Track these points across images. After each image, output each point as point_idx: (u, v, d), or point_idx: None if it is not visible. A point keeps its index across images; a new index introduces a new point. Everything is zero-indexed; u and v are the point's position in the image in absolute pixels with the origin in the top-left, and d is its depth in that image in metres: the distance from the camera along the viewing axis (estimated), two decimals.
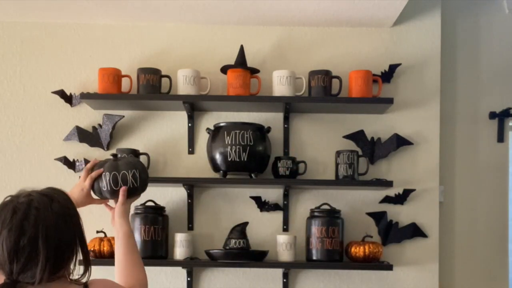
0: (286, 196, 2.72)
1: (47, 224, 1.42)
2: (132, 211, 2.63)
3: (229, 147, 2.55)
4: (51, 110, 2.76)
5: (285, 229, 2.73)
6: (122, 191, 1.89)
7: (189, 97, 2.60)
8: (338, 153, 2.62)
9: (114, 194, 1.90)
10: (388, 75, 2.74)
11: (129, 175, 1.89)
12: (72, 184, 2.71)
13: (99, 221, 2.71)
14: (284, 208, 2.72)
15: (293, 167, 2.62)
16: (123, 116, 2.72)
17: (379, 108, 2.67)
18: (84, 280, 1.52)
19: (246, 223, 2.61)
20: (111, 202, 1.98)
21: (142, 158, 2.65)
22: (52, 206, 1.45)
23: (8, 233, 1.40)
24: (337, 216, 2.63)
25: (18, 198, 1.46)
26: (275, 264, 2.63)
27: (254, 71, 2.66)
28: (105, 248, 2.54)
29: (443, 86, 2.84)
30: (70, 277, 1.51)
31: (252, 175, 2.60)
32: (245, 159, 2.55)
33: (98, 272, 2.85)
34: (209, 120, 2.75)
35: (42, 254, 1.40)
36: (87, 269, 1.53)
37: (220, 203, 2.73)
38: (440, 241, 2.76)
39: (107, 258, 2.54)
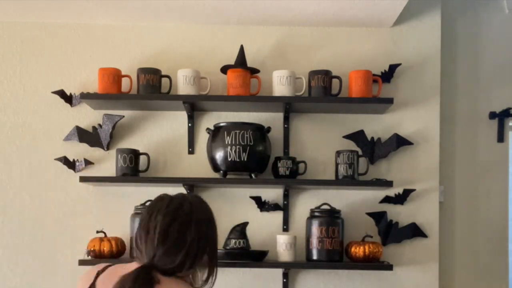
0: (286, 196, 2.72)
1: (198, 218, 1.58)
2: (132, 211, 2.64)
3: (229, 147, 2.55)
4: (51, 110, 2.76)
5: (285, 229, 2.73)
6: None
7: (189, 97, 2.60)
8: (338, 153, 2.62)
9: None
10: (388, 75, 2.74)
11: None
12: (72, 184, 2.72)
13: (99, 221, 2.71)
14: (284, 208, 2.72)
15: (293, 167, 2.62)
16: (123, 116, 2.72)
17: (379, 108, 2.67)
18: None
19: (246, 223, 2.61)
20: None
21: (142, 158, 2.65)
22: (203, 206, 1.64)
23: (163, 218, 1.54)
24: (337, 216, 2.63)
25: (173, 195, 1.62)
26: (275, 264, 2.63)
27: (254, 71, 2.66)
28: (105, 248, 2.54)
29: (443, 86, 2.84)
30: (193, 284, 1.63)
31: (252, 175, 2.60)
32: (245, 159, 2.55)
33: None
34: (209, 120, 2.75)
35: (187, 243, 1.54)
36: (207, 278, 1.67)
37: (220, 203, 2.73)
38: (440, 241, 2.76)
39: (107, 258, 2.54)
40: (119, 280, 1.49)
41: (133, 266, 1.55)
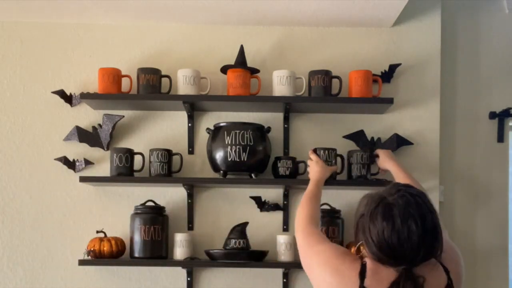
0: (286, 196, 2.72)
1: (433, 209, 1.65)
2: (132, 211, 2.64)
3: (229, 147, 2.55)
4: (51, 110, 2.76)
5: (285, 229, 2.73)
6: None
7: (189, 97, 2.60)
8: (350, 153, 2.62)
9: None
10: (388, 75, 2.74)
11: None
12: (72, 184, 2.72)
13: (99, 221, 2.71)
14: (284, 208, 2.72)
15: (293, 167, 2.62)
16: (123, 116, 2.72)
17: (379, 108, 2.67)
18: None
19: (246, 223, 2.61)
20: None
21: (139, 158, 2.65)
22: (422, 194, 1.67)
23: (414, 222, 1.59)
24: (337, 216, 2.63)
25: (389, 193, 1.66)
26: (275, 264, 2.63)
27: (254, 71, 2.66)
28: (105, 248, 2.54)
29: (443, 86, 2.84)
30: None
31: (252, 175, 2.60)
32: (245, 159, 2.55)
33: (98, 272, 2.87)
34: (209, 120, 2.75)
35: (440, 239, 1.63)
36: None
37: (220, 203, 2.73)
38: None
39: (107, 258, 2.54)
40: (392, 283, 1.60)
41: (390, 270, 1.63)
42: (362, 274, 1.64)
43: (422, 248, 1.59)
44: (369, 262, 1.66)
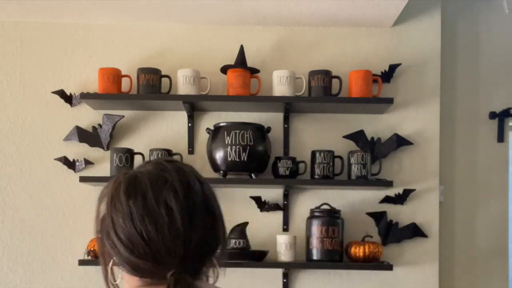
0: (286, 196, 2.72)
1: (208, 184, 1.11)
2: None
3: (229, 147, 2.55)
4: (51, 110, 2.76)
5: (285, 229, 2.73)
6: None
7: (189, 97, 2.60)
8: (351, 153, 2.62)
9: None
10: (388, 75, 2.74)
11: None
12: (72, 184, 2.72)
13: None
14: (284, 208, 2.72)
15: (293, 167, 2.62)
16: (123, 116, 2.72)
17: (379, 108, 2.67)
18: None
19: (246, 223, 2.61)
20: None
21: (139, 158, 2.65)
22: (196, 173, 1.11)
23: (174, 194, 1.01)
24: (337, 216, 2.63)
25: (145, 167, 1.07)
26: (275, 264, 2.63)
27: (254, 71, 2.66)
28: None
29: (443, 86, 2.84)
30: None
31: (252, 175, 2.60)
32: (245, 159, 2.55)
33: (98, 272, 2.86)
34: (209, 120, 2.75)
35: (216, 224, 1.08)
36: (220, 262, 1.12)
37: (220, 203, 2.73)
38: (440, 241, 2.76)
39: None
40: None
41: None
42: None
43: (193, 235, 1.01)
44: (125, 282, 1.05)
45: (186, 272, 1.00)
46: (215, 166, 2.61)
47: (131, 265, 1.00)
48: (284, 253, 2.60)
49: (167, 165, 1.05)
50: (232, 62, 2.66)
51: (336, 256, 2.59)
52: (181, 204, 1.01)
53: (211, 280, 1.09)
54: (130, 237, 0.99)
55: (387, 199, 2.72)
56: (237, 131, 2.55)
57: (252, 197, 2.72)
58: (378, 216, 2.72)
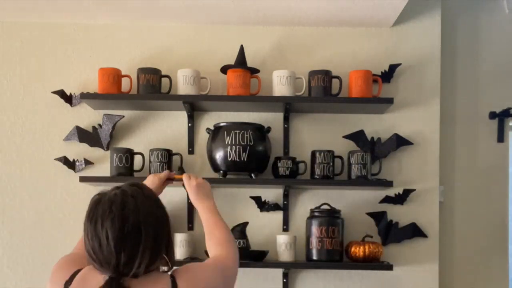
0: (286, 196, 2.72)
1: (146, 211, 1.49)
2: None
3: (229, 147, 2.55)
4: (51, 110, 2.76)
5: (285, 229, 2.73)
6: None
7: (189, 97, 2.60)
8: (350, 153, 2.62)
9: None
10: (388, 75, 2.74)
11: None
12: (72, 184, 2.72)
13: None
14: (284, 208, 2.72)
15: (293, 167, 2.62)
16: (123, 116, 2.72)
17: (379, 108, 2.67)
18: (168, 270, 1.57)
19: (246, 223, 2.61)
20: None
21: (139, 158, 2.65)
22: (145, 193, 1.54)
23: (111, 223, 1.45)
24: (337, 216, 2.63)
25: (109, 192, 1.51)
26: (275, 264, 2.63)
27: (254, 71, 2.66)
28: None
29: (443, 86, 2.84)
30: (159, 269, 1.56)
31: (252, 175, 2.60)
32: (245, 159, 2.55)
33: None
34: (209, 120, 2.75)
35: (145, 241, 1.46)
36: (171, 258, 1.58)
37: (220, 203, 2.72)
38: (440, 241, 2.76)
39: None
40: None
41: (100, 278, 1.49)
42: (69, 281, 1.55)
43: (123, 254, 1.45)
44: (86, 268, 1.56)
45: (122, 275, 1.47)
46: (215, 166, 2.61)
47: (89, 258, 1.51)
48: (284, 253, 2.60)
49: (118, 198, 1.49)
50: (232, 62, 2.66)
51: (336, 256, 2.59)
52: (116, 232, 1.44)
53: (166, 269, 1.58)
54: (87, 248, 1.50)
55: (387, 199, 2.72)
56: (237, 131, 2.55)
57: (252, 197, 2.72)
58: (378, 216, 2.72)
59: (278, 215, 2.73)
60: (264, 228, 2.73)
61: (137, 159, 2.64)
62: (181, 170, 2.59)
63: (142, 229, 1.46)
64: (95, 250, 1.47)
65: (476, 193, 2.91)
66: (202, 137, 2.73)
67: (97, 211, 1.47)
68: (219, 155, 2.57)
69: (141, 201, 1.50)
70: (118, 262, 1.45)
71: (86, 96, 2.62)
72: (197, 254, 2.67)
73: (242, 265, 2.56)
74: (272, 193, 2.74)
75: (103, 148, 2.72)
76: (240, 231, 2.59)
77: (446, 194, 2.87)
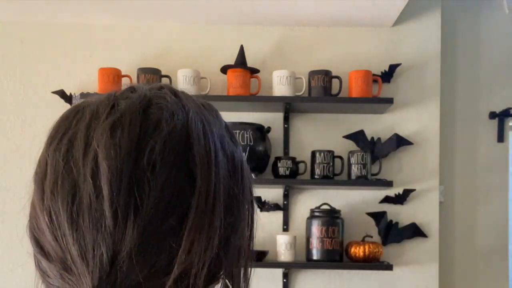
0: (286, 196, 2.72)
1: (215, 140, 0.62)
2: None
3: None
4: (51, 110, 2.76)
5: (285, 229, 2.73)
6: None
7: None
8: (350, 153, 2.62)
9: None
10: (388, 75, 2.74)
11: None
12: None
13: None
14: (284, 208, 2.72)
15: (293, 167, 2.62)
16: None
17: (379, 108, 2.67)
18: None
19: None
20: None
21: None
22: (197, 102, 0.67)
23: (108, 163, 0.55)
24: (337, 216, 2.63)
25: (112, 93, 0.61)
26: (275, 264, 2.63)
27: (254, 71, 2.67)
28: None
29: (443, 86, 2.84)
30: None
31: (252, 175, 2.59)
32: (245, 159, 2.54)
33: None
34: None
35: (191, 213, 0.56)
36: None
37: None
38: (440, 241, 2.76)
39: None
40: None
41: None
42: None
43: (135, 228, 0.53)
44: None
45: None
46: None
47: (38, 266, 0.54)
48: (284, 253, 2.60)
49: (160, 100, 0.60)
50: (232, 62, 2.66)
51: (336, 256, 2.59)
52: (120, 171, 0.55)
53: None
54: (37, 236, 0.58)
55: (387, 199, 2.73)
56: (237, 131, 2.55)
57: None
58: (378, 216, 2.72)
59: (278, 215, 2.73)
60: (264, 228, 2.73)
61: None
62: None
63: (186, 190, 0.56)
64: (64, 231, 0.55)
65: (476, 193, 2.91)
66: None
67: (73, 123, 0.60)
68: None
69: (206, 118, 0.64)
70: (115, 256, 0.53)
71: (86, 96, 2.62)
72: None
73: None
74: (272, 193, 2.74)
75: None
76: None
77: (446, 194, 2.87)
